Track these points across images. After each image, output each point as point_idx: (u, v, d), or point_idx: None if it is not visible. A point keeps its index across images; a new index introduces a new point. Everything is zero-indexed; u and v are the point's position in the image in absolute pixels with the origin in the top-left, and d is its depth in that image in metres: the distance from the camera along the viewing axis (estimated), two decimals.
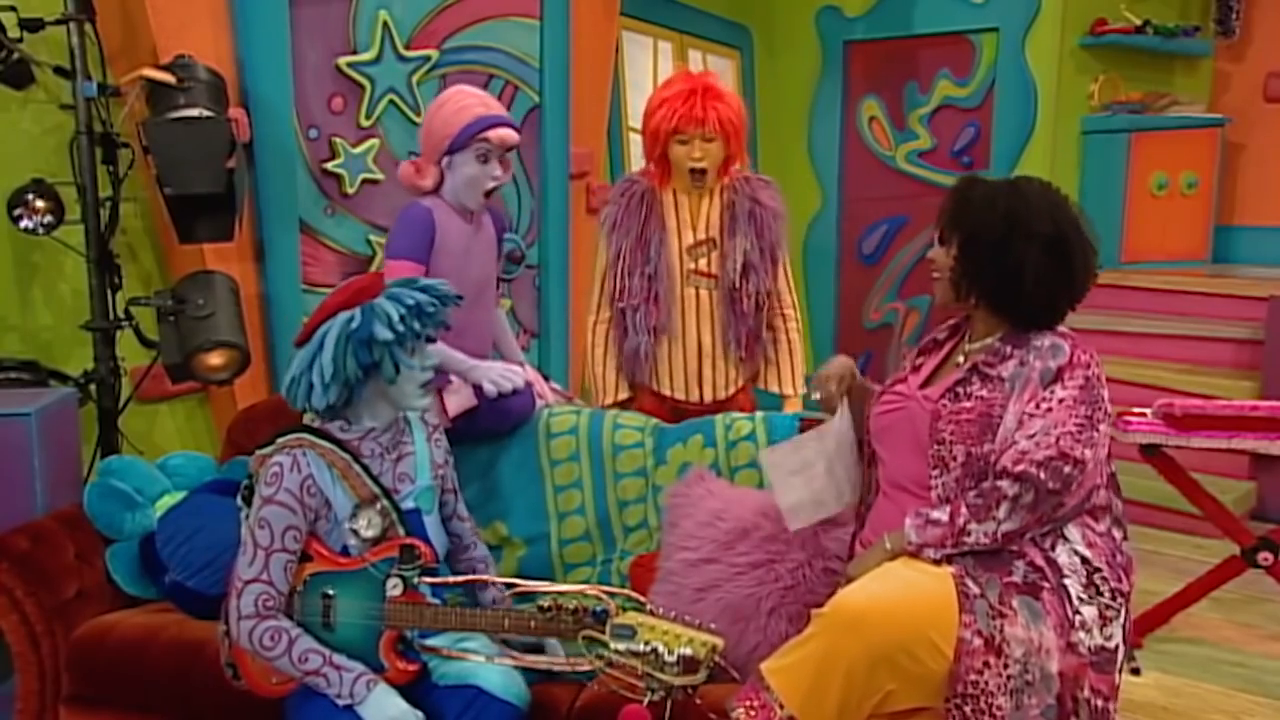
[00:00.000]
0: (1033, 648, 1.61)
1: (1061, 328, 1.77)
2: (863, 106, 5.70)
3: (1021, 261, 1.72)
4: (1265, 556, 2.87)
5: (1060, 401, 1.67)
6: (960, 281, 1.79)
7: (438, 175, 2.35)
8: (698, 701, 1.67)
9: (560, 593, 1.71)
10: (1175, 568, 3.38)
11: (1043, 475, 1.64)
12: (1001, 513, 1.66)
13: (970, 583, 1.65)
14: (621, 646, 1.61)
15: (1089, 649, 1.64)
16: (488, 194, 2.34)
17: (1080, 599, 1.67)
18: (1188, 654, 2.97)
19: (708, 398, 2.63)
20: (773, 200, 2.67)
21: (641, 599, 1.68)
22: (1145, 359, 4.58)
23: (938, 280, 1.84)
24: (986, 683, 1.58)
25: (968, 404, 1.72)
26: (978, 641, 1.60)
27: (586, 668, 1.66)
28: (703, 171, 2.63)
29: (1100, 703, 1.65)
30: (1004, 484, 1.66)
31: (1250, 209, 5.46)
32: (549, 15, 3.80)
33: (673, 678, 1.56)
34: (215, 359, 2.59)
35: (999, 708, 1.58)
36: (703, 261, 2.64)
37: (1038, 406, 1.68)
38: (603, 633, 1.63)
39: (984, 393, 1.73)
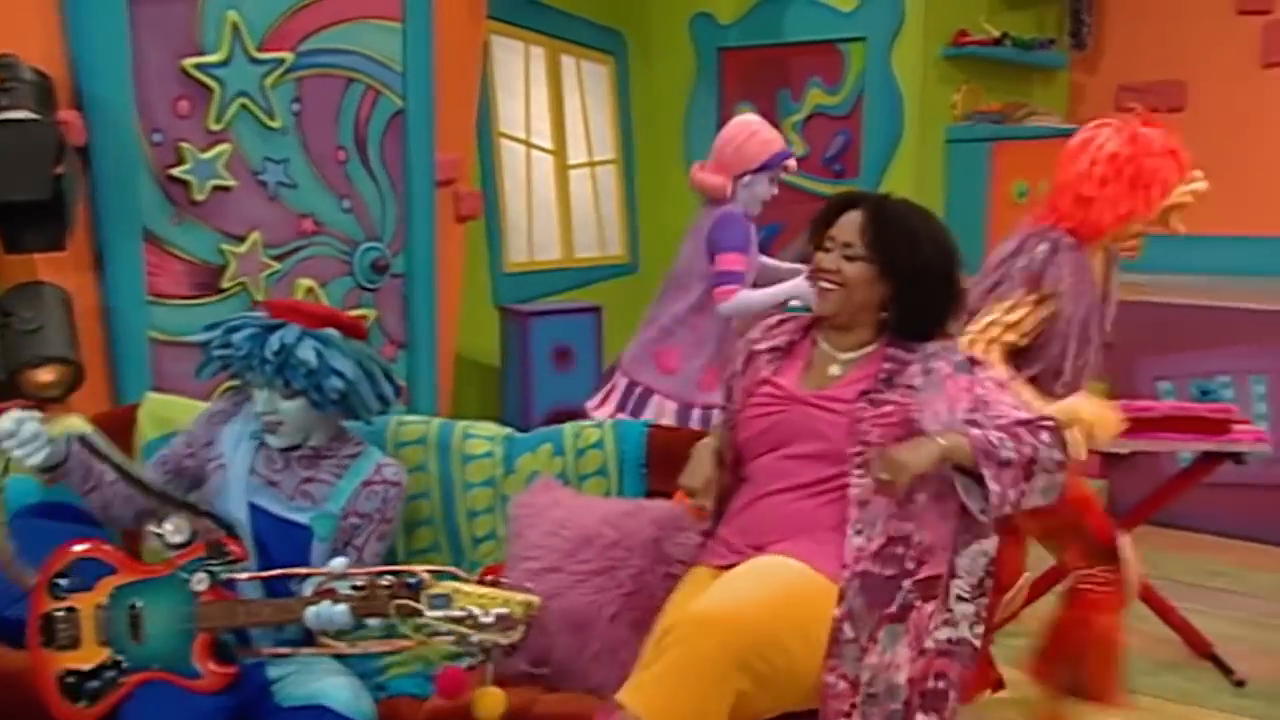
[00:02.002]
0: (881, 667, 1.70)
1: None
2: (737, 113, 5.84)
3: (944, 284, 1.89)
4: None
5: (993, 383, 1.84)
6: (867, 298, 1.88)
7: (732, 188, 3.12)
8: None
9: (373, 572, 1.72)
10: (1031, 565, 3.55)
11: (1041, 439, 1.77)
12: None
13: (848, 627, 1.71)
14: (438, 614, 1.63)
15: (949, 641, 1.74)
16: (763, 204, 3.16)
17: (960, 597, 1.77)
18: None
19: None
20: None
21: (454, 570, 1.73)
22: None
23: (831, 291, 1.89)
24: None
25: (888, 408, 1.82)
26: (843, 685, 1.69)
27: (406, 644, 1.69)
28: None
29: (941, 685, 1.74)
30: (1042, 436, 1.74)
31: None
32: (410, 18, 3.79)
33: (491, 636, 1.61)
34: (45, 375, 2.52)
35: None
36: None
37: (971, 389, 1.81)
38: (418, 602, 1.65)
39: (898, 398, 1.84)
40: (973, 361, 1.88)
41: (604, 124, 5.72)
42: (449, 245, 4.17)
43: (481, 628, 1.61)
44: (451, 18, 3.99)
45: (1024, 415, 1.78)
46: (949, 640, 1.74)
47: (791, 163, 3.22)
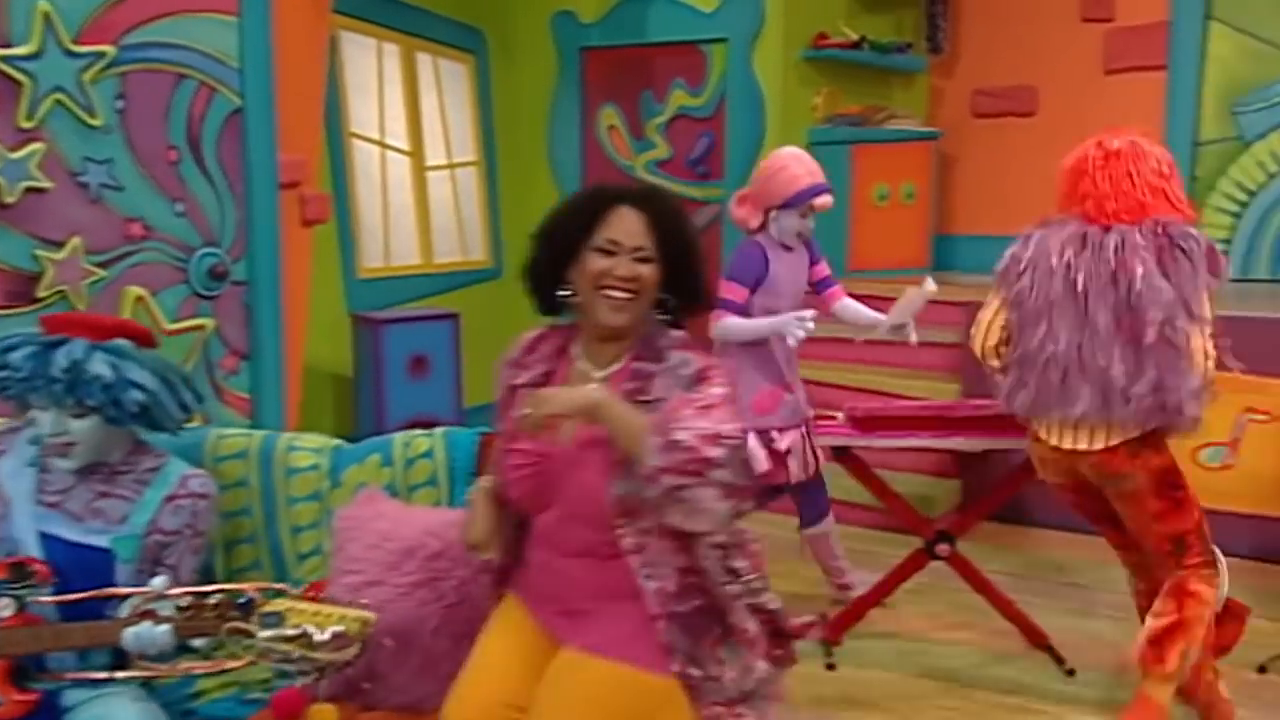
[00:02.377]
0: (742, 673, 1.71)
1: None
2: (601, 115, 5.91)
3: (703, 265, 1.82)
4: (943, 548, 3.22)
5: (718, 397, 1.68)
6: (652, 299, 1.78)
7: (762, 218, 3.24)
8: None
9: (199, 591, 1.70)
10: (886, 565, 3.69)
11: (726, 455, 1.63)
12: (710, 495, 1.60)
13: (694, 670, 1.69)
14: (269, 633, 1.63)
15: (766, 618, 1.78)
16: (800, 238, 3.26)
17: (742, 594, 1.76)
18: (879, 647, 3.28)
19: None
20: None
21: (284, 587, 1.72)
22: (867, 364, 5.01)
23: (633, 300, 1.75)
24: None
25: None
26: (721, 710, 1.70)
27: (234, 665, 1.68)
28: None
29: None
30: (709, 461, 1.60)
31: (965, 219, 6.08)
32: (247, 11, 3.72)
33: (326, 655, 1.61)
34: None
35: None
36: None
37: (689, 408, 1.65)
38: (248, 622, 1.65)
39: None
40: (697, 377, 1.71)
41: (464, 124, 5.71)
42: (295, 250, 4.10)
43: (317, 646, 1.61)
44: (293, 12, 3.93)
45: (719, 429, 1.62)
46: (766, 616, 1.78)
47: (822, 200, 3.23)
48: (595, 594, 1.74)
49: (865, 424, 3.10)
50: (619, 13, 5.76)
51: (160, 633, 1.69)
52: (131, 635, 1.70)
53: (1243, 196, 5.53)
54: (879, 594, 3.31)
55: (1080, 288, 2.54)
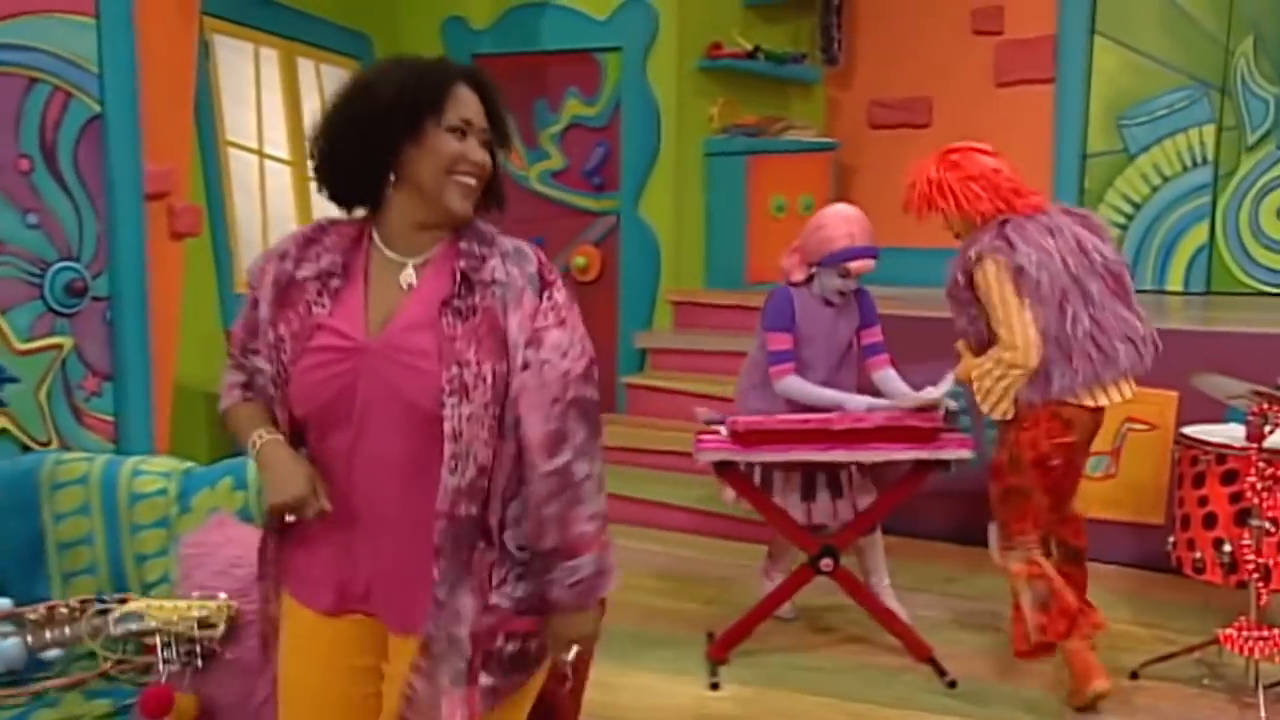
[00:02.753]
0: (446, 618, 1.55)
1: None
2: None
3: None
4: (827, 563, 3.30)
5: (568, 308, 1.63)
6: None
7: (807, 272, 3.42)
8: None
9: (47, 605, 1.71)
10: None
11: (589, 392, 1.59)
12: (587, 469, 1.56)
13: (442, 590, 1.56)
14: (133, 626, 1.69)
15: (524, 599, 1.61)
16: (840, 295, 3.41)
17: (514, 552, 1.61)
18: (767, 663, 3.35)
19: None
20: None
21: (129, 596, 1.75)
22: None
23: (477, 187, 1.63)
24: None
25: (475, 318, 1.57)
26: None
27: (103, 669, 1.72)
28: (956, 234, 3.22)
29: (513, 648, 1.62)
30: (571, 419, 1.56)
31: None
32: (106, 13, 3.65)
33: (193, 635, 1.69)
34: None
35: None
36: None
37: (548, 317, 1.60)
38: (107, 624, 1.68)
39: (481, 301, 1.59)
40: (543, 279, 1.62)
41: None
42: (163, 265, 4.01)
43: (179, 636, 1.68)
44: (157, 14, 3.86)
45: (580, 365, 1.58)
46: (524, 598, 1.60)
47: (859, 264, 3.34)
48: (413, 538, 1.57)
49: (746, 438, 3.17)
50: (511, 19, 5.78)
51: (9, 646, 1.65)
52: None
53: (1128, 209, 5.79)
54: (763, 611, 3.37)
55: (1073, 269, 2.98)
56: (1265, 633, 2.94)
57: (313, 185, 1.70)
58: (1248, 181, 5.54)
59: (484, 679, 1.56)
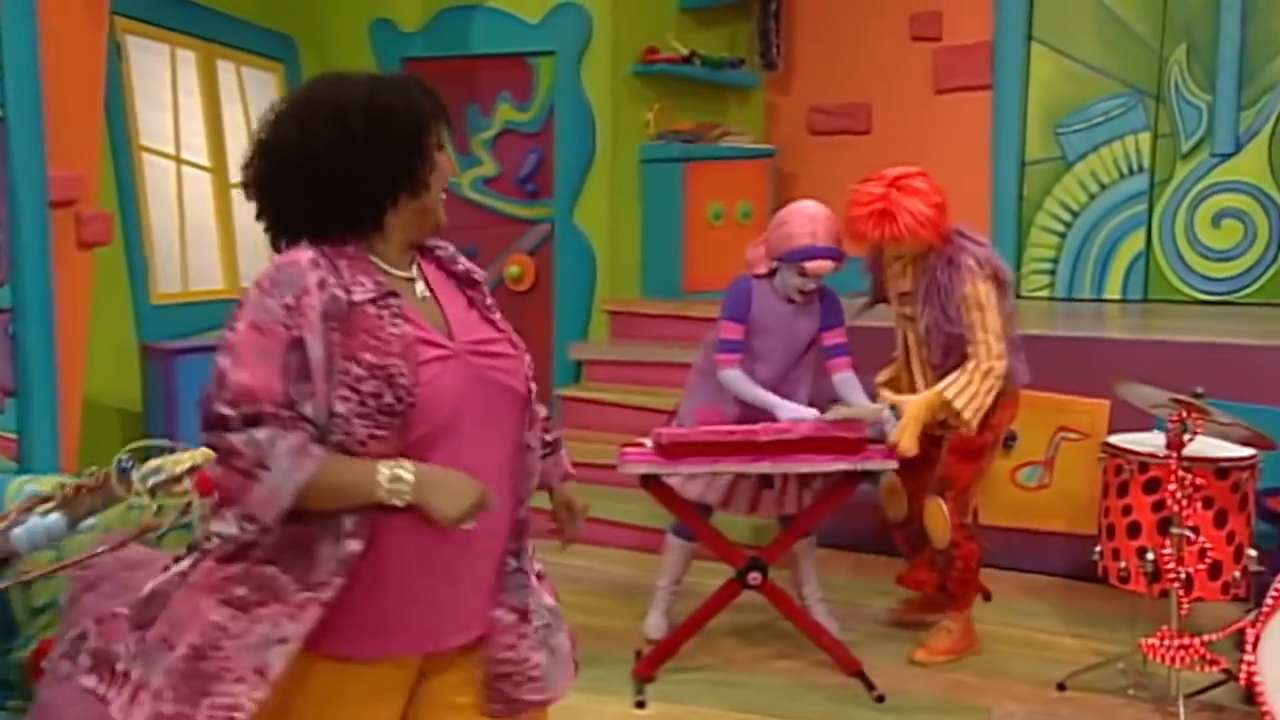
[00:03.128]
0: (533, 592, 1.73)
1: None
2: None
3: None
4: (754, 577, 3.34)
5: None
6: None
7: (770, 266, 3.49)
8: None
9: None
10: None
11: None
12: None
13: (512, 559, 1.71)
14: (161, 477, 1.98)
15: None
16: (800, 293, 3.48)
17: None
18: (695, 680, 3.38)
19: None
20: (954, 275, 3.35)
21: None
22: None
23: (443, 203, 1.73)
24: None
25: (490, 307, 1.75)
26: (511, 617, 1.71)
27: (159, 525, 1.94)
28: (900, 257, 3.45)
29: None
30: None
31: None
32: (7, 12, 3.62)
33: None
34: None
35: None
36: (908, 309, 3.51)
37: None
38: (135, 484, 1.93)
39: (481, 293, 1.77)
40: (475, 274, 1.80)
41: None
42: (71, 275, 3.97)
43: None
44: (63, 14, 3.83)
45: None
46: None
47: (815, 265, 3.37)
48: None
49: (671, 450, 3.20)
50: (441, 22, 5.79)
51: (51, 521, 1.77)
52: (22, 534, 1.77)
53: (1067, 217, 5.92)
54: (692, 627, 3.40)
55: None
56: (1186, 641, 3.03)
57: (235, 193, 1.82)
58: (1183, 189, 5.70)
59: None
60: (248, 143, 1.67)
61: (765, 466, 3.24)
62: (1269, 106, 5.50)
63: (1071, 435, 4.22)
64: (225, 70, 5.34)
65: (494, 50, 5.73)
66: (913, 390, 3.50)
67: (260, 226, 1.66)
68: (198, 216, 5.16)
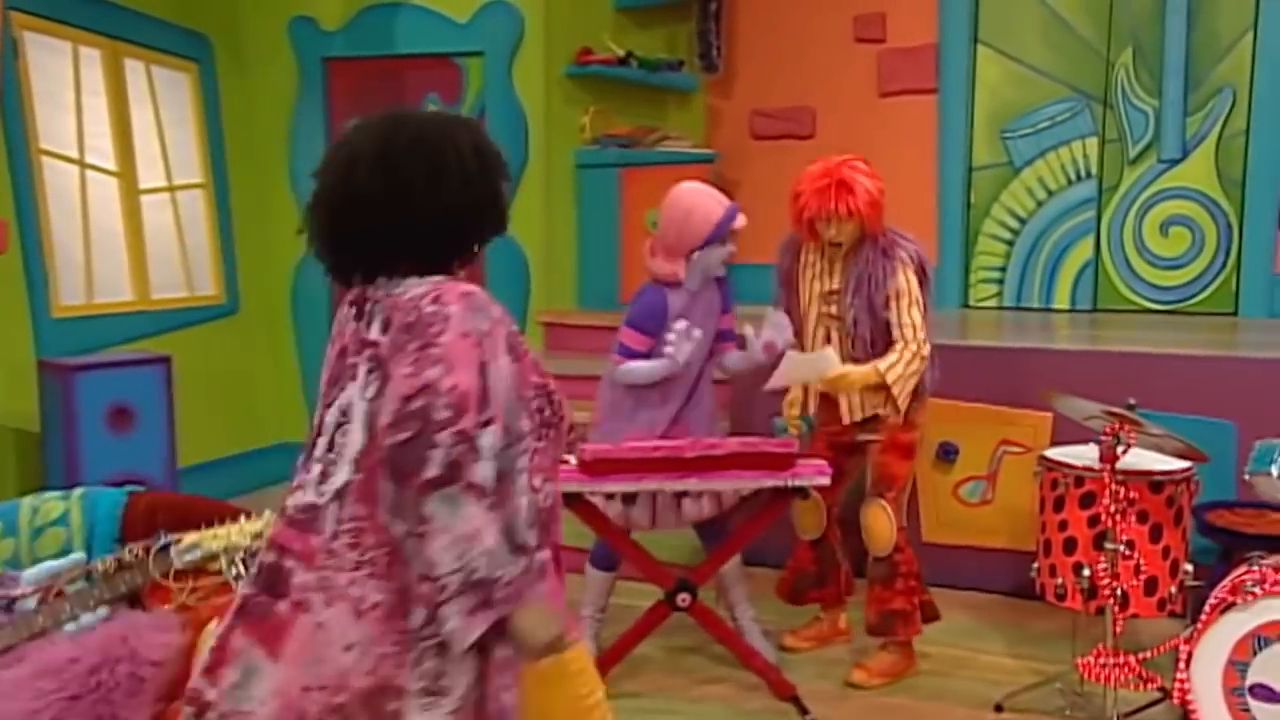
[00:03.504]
0: None
1: None
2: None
3: None
4: (684, 598, 3.35)
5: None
6: None
7: (679, 264, 3.50)
8: None
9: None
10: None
11: None
12: None
13: None
14: (197, 555, 2.12)
15: None
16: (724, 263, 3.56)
17: None
18: (623, 709, 3.28)
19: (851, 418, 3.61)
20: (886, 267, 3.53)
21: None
22: None
23: None
24: None
25: None
26: None
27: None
28: (839, 243, 3.55)
29: None
30: None
31: (746, 246, 6.30)
32: None
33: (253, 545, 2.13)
34: None
35: None
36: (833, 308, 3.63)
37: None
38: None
39: None
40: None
41: (187, 142, 5.58)
42: None
43: (241, 550, 2.13)
44: None
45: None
46: None
47: (740, 220, 3.52)
48: None
49: (594, 467, 3.21)
50: (364, 20, 5.77)
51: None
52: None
53: (1014, 224, 6.03)
54: (619, 652, 3.40)
55: None
56: (1122, 660, 3.08)
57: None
58: (1130, 196, 5.82)
59: None
60: (319, 179, 1.85)
61: (692, 483, 3.26)
62: (1215, 111, 5.63)
63: (1014, 449, 4.28)
64: (134, 70, 5.28)
65: (420, 50, 5.72)
66: (832, 402, 3.60)
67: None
68: (103, 224, 5.09)
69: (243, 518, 2.21)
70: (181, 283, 5.52)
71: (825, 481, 3.31)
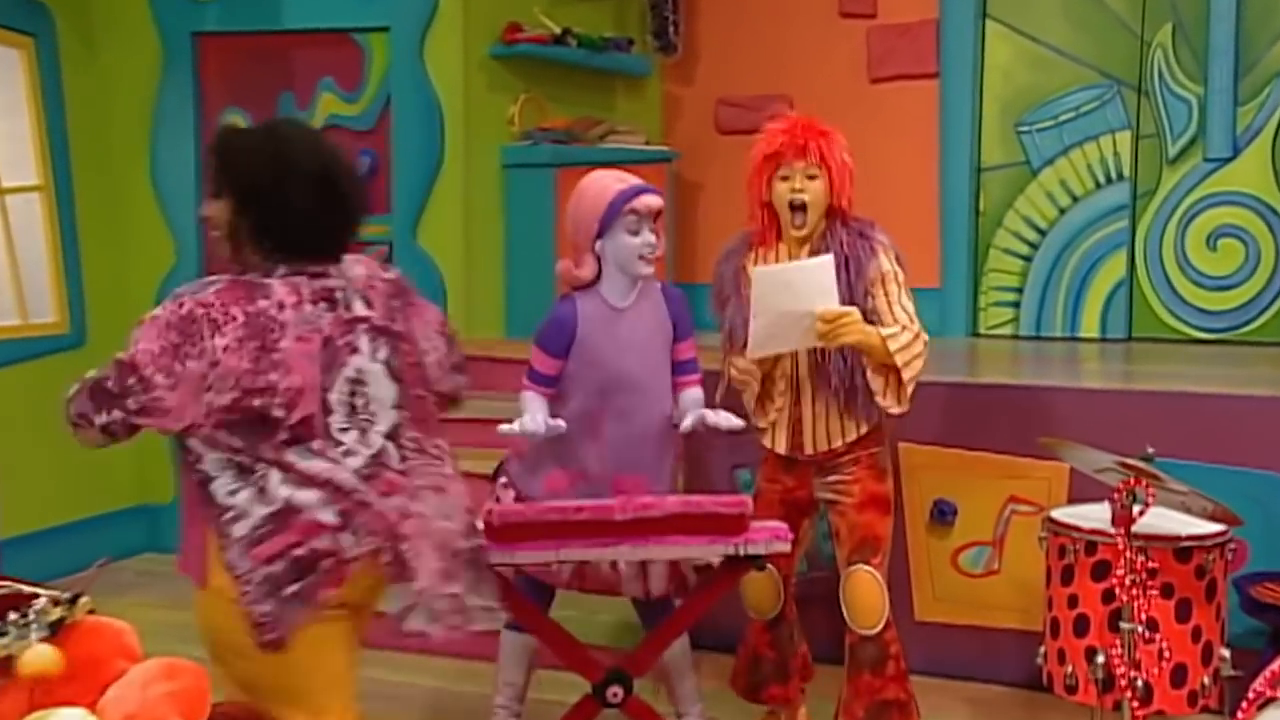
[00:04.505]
0: None
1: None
2: (223, 121, 5.90)
3: (292, 202, 2.55)
4: (615, 692, 3.34)
5: None
6: (238, 233, 2.60)
7: (594, 263, 3.43)
8: None
9: None
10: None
11: None
12: None
13: None
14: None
15: None
16: (647, 260, 3.42)
17: None
18: None
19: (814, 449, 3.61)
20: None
21: None
22: None
23: (218, 237, 2.64)
24: None
25: None
26: None
27: None
28: (803, 207, 3.49)
29: None
30: None
31: (709, 262, 6.38)
32: None
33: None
34: None
35: None
36: None
37: None
38: None
39: None
40: None
41: (20, 134, 5.56)
42: None
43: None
44: None
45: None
46: None
47: (645, 200, 3.38)
48: None
49: (505, 533, 3.19)
50: None
51: None
52: None
53: (1032, 235, 6.10)
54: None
55: None
56: None
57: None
58: (1171, 202, 5.92)
59: None
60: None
61: (624, 551, 3.25)
62: (1271, 100, 5.74)
63: (1025, 508, 4.30)
64: None
65: (312, 25, 5.76)
66: (795, 434, 3.60)
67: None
68: None
69: (42, 601, 2.18)
70: (11, 308, 5.48)
71: (784, 548, 3.32)
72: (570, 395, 3.49)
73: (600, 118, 6.14)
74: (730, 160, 6.44)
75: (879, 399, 3.48)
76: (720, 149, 6.46)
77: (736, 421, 3.46)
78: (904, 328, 3.43)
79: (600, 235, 3.40)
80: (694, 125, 6.57)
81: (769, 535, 3.30)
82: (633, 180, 3.47)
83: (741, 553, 3.28)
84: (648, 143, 6.21)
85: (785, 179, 3.50)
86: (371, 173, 5.78)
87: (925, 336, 3.48)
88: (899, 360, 3.38)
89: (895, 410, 3.50)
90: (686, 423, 3.48)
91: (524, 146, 5.88)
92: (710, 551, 3.28)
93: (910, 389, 3.45)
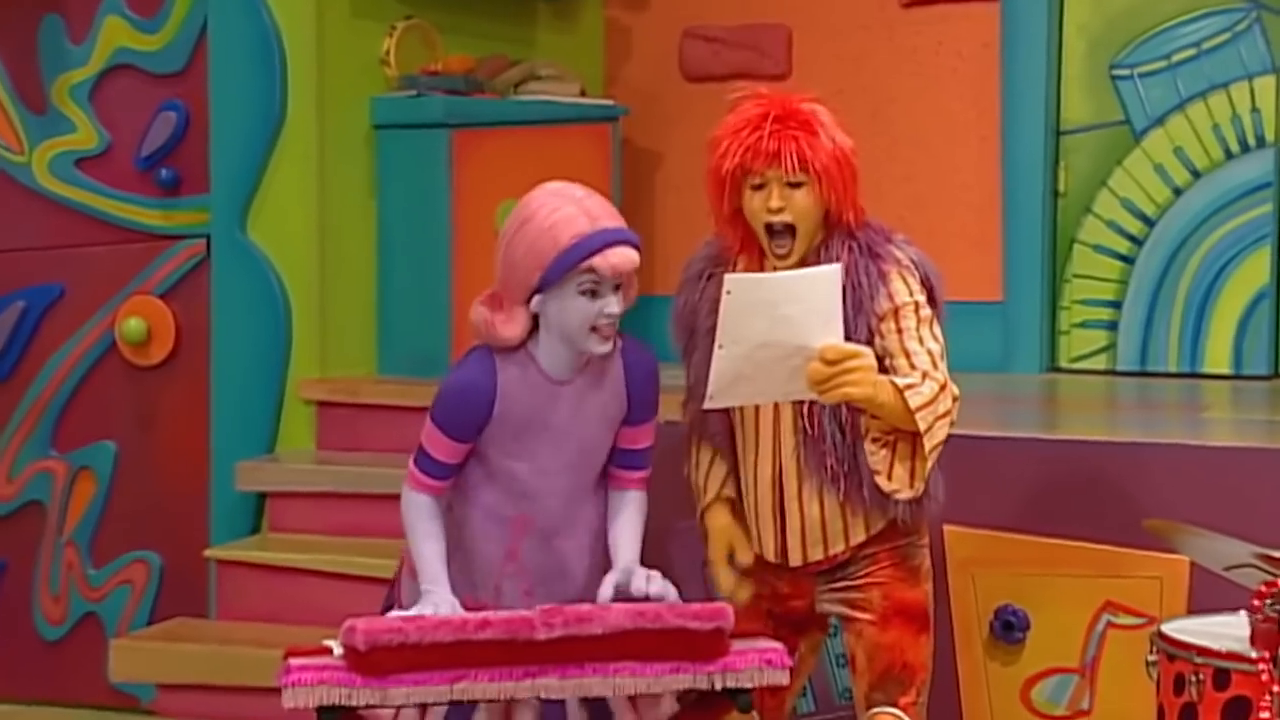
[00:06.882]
0: None
1: None
2: None
3: None
4: None
5: None
6: None
7: (527, 322, 3.40)
8: None
9: None
10: None
11: None
12: None
13: None
14: None
15: None
16: (602, 335, 3.36)
17: None
18: None
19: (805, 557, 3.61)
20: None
21: None
22: None
23: None
24: None
25: None
26: None
27: None
28: (787, 229, 3.45)
29: None
30: None
31: (673, 262, 6.39)
32: None
33: None
34: None
35: None
36: None
37: None
38: None
39: None
40: None
41: None
42: None
43: None
44: None
45: None
46: None
47: (618, 255, 3.26)
48: None
49: (371, 661, 3.18)
50: None
51: None
52: None
53: (1135, 227, 6.17)
54: None
55: None
56: None
57: None
58: None
59: None
60: None
61: (550, 684, 3.26)
62: None
63: (1126, 619, 4.34)
64: None
65: None
66: (780, 534, 3.64)
67: None
68: None
69: None
70: None
71: (782, 679, 3.33)
72: (475, 493, 3.53)
73: (515, 57, 6.16)
74: (700, 119, 6.36)
75: (880, 479, 3.49)
76: (687, 101, 6.52)
77: (672, 593, 3.44)
78: (925, 375, 3.38)
79: (541, 289, 3.36)
80: (649, 69, 6.61)
81: (758, 660, 3.32)
82: (605, 219, 3.37)
83: (719, 685, 3.31)
84: (583, 93, 6.25)
85: (759, 187, 3.47)
86: (177, 137, 5.79)
87: (955, 390, 3.42)
88: (921, 424, 3.34)
89: (905, 495, 3.49)
90: (605, 589, 3.45)
91: (404, 98, 5.90)
92: (673, 683, 3.29)
93: (932, 462, 3.44)
